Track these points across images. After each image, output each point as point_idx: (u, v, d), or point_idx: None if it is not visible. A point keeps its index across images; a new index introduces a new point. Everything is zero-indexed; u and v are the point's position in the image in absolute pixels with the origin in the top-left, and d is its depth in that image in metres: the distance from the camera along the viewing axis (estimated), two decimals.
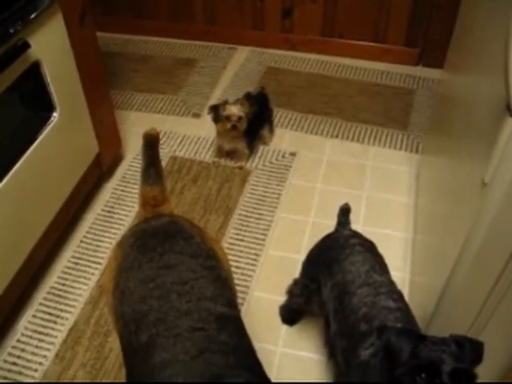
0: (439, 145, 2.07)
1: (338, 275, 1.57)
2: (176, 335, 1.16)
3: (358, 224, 2.34)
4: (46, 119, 1.99)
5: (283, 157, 2.69)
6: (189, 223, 1.45)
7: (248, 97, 2.61)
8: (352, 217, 2.15)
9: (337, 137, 2.80)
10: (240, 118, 2.50)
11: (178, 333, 1.16)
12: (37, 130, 1.95)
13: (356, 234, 1.74)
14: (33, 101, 1.95)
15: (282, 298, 2.03)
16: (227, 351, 1.16)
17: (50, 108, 2.00)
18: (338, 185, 2.54)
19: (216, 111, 2.52)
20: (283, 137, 2.82)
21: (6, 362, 1.94)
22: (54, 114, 2.01)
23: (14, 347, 1.98)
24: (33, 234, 2.02)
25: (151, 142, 1.50)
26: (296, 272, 2.02)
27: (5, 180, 1.78)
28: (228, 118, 2.49)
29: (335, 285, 1.57)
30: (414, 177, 2.55)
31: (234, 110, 2.49)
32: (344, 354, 1.47)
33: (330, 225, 2.07)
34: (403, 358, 1.16)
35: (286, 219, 2.40)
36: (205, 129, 2.87)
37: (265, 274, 2.19)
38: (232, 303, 1.31)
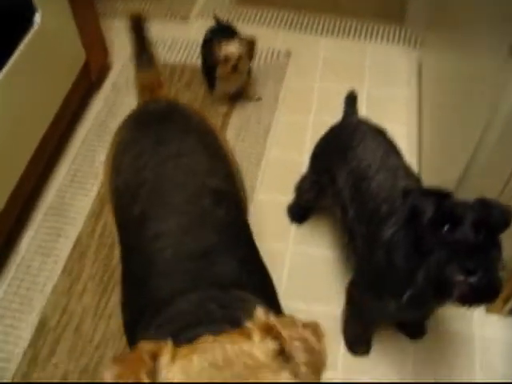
0: (445, 34, 1.99)
1: (352, 162, 1.51)
2: (169, 207, 1.14)
3: None
4: (28, 23, 1.85)
5: (278, 57, 2.58)
6: (188, 106, 1.43)
7: (220, 26, 2.41)
8: None
9: (332, 34, 2.68)
10: (240, 57, 2.20)
11: (172, 205, 1.14)
12: (19, 36, 1.82)
13: (365, 121, 1.68)
14: (13, 2, 1.81)
15: (288, 199, 2.00)
16: (220, 228, 1.14)
17: (31, 10, 1.85)
18: (336, 82, 2.44)
19: (212, 53, 2.22)
20: (277, 36, 2.69)
21: (14, 278, 1.91)
22: (37, 17, 1.87)
23: (19, 265, 1.94)
24: (25, 151, 1.94)
25: (137, 24, 1.47)
26: (300, 172, 1.98)
27: None
28: (226, 59, 2.20)
29: (350, 172, 1.51)
30: (415, 71, 2.47)
31: (233, 49, 2.19)
32: (364, 239, 1.44)
33: (331, 122, 2.02)
34: (427, 217, 1.15)
35: (286, 121, 2.33)
36: (193, 32, 2.72)
37: (268, 176, 2.14)
38: (229, 179, 1.28)
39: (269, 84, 2.45)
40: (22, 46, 1.80)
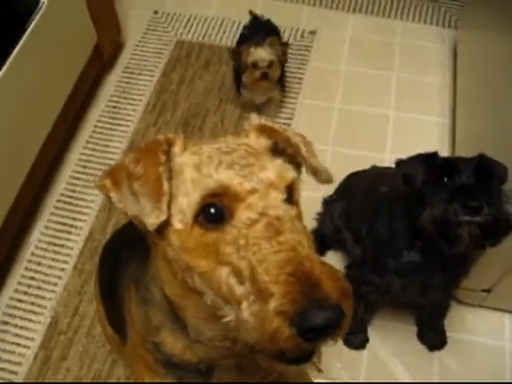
0: (486, 12, 1.82)
1: None
2: None
3: (389, 108, 2.14)
4: (35, 4, 1.71)
5: (302, 36, 2.41)
6: None
7: (257, 23, 2.17)
8: (382, 100, 1.95)
9: (360, 11, 2.50)
10: (271, 64, 1.96)
11: None
12: (26, 18, 1.68)
13: None
14: None
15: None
16: None
17: None
18: (363, 66, 2.29)
19: (238, 58, 1.99)
20: (301, 13, 2.50)
21: (23, 276, 1.82)
22: None
23: (29, 261, 1.86)
24: (36, 138, 1.83)
25: None
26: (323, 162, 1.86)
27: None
28: (255, 64, 1.96)
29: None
30: (450, 54, 2.30)
31: (262, 54, 1.93)
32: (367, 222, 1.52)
33: (357, 111, 1.89)
34: (420, 179, 1.21)
35: (309, 105, 2.19)
36: (213, 7, 2.54)
37: None
38: None
39: (292, 65, 2.29)
40: (29, 28, 1.67)
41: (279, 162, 0.75)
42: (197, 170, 0.72)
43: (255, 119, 0.84)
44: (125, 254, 1.13)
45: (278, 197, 0.70)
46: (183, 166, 0.74)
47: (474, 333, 1.66)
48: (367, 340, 1.67)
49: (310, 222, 1.82)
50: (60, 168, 2.06)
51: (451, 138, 2.04)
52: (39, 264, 1.85)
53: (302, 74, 2.27)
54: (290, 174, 0.74)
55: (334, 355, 1.64)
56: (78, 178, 2.03)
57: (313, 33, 2.41)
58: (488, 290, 1.58)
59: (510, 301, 1.62)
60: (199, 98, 2.19)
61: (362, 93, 2.19)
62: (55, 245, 1.88)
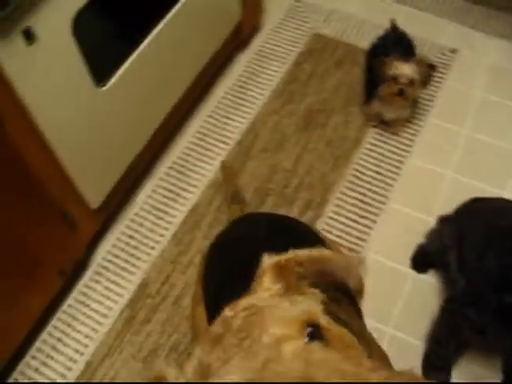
0: None
1: None
2: None
3: None
4: None
5: (442, 53, 2.30)
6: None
7: (393, 34, 2.05)
8: None
9: (506, 37, 2.35)
10: (412, 82, 1.86)
11: None
12: None
13: None
14: None
15: (421, 215, 1.81)
16: None
17: None
18: (501, 96, 2.15)
19: (381, 68, 1.89)
20: (444, 29, 2.39)
21: (123, 233, 1.86)
22: None
23: (132, 220, 1.89)
24: (164, 106, 1.85)
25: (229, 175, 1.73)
26: (441, 190, 1.78)
27: (146, 41, 1.58)
28: (395, 78, 1.86)
29: None
30: None
31: (406, 70, 1.84)
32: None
33: (486, 142, 1.77)
34: None
35: (437, 126, 2.09)
36: (355, 4, 2.48)
37: (406, 186, 1.94)
38: None
39: None
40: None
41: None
42: None
43: (265, 261, 0.71)
44: None
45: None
46: None
47: None
48: (449, 380, 1.58)
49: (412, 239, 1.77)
50: (178, 137, 2.07)
51: None
52: (141, 225, 1.88)
53: (435, 92, 2.17)
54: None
55: None
56: (193, 150, 2.04)
57: (454, 51, 2.29)
58: None
59: None
60: (327, 95, 2.15)
61: (494, 124, 2.06)
62: (159, 210, 1.90)
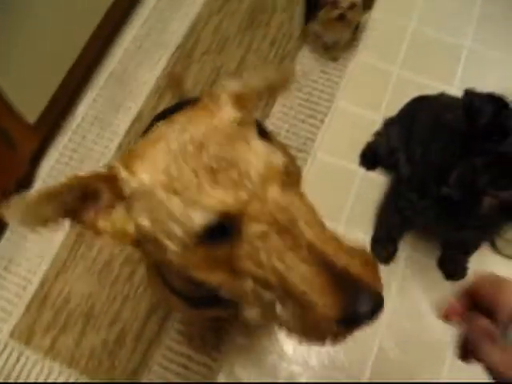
0: None
1: None
2: None
3: (466, 39, 1.99)
4: None
5: None
6: None
7: None
8: (461, 28, 1.82)
9: None
10: (353, 5, 1.75)
11: None
12: None
13: None
14: None
15: (367, 113, 1.81)
16: None
17: None
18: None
19: None
20: None
21: (66, 147, 1.80)
22: None
23: (74, 132, 1.82)
24: (96, 10, 1.75)
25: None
26: (388, 87, 1.77)
27: None
28: (334, 2, 1.75)
29: None
30: None
31: None
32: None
33: (433, 37, 1.75)
34: (483, 120, 1.13)
35: (382, 21, 2.03)
36: None
37: (352, 84, 1.91)
38: None
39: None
40: None
41: (262, 148, 0.63)
42: (174, 193, 0.60)
43: (233, 86, 0.70)
44: None
45: (277, 192, 0.61)
46: (148, 190, 0.61)
47: None
48: (394, 252, 1.65)
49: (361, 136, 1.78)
50: (116, 44, 1.97)
51: None
52: (84, 137, 1.81)
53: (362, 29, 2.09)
54: (279, 160, 0.64)
55: None
56: (132, 57, 1.94)
57: None
58: None
59: None
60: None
61: (441, 17, 2.04)
62: (102, 120, 1.84)
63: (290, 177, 0.65)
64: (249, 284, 0.62)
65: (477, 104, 1.17)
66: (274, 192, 0.61)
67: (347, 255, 0.60)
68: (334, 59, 1.95)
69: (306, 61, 1.94)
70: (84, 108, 1.85)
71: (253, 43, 1.95)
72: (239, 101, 0.69)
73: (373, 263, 0.62)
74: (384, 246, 1.63)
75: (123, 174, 0.62)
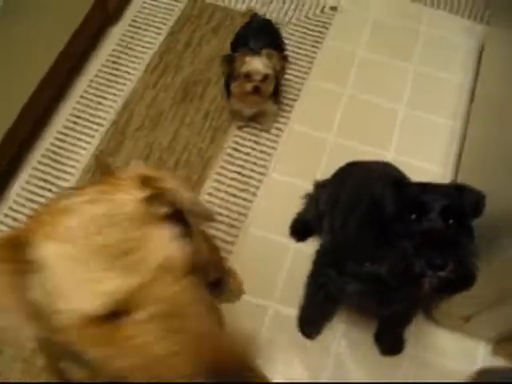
0: None
1: None
2: None
3: (401, 103, 2.01)
4: None
5: (322, 11, 2.24)
6: None
7: (256, 23, 1.94)
8: (395, 93, 1.84)
9: None
10: (266, 77, 1.74)
11: None
12: None
13: None
14: None
15: (302, 183, 1.81)
16: None
17: None
18: (382, 53, 2.14)
19: (230, 64, 1.77)
20: None
21: None
22: None
23: (6, 215, 1.80)
24: (27, 88, 1.76)
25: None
26: (323, 155, 1.78)
27: None
28: (248, 76, 1.73)
29: None
30: (475, 51, 2.14)
31: (258, 66, 1.71)
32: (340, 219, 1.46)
33: (367, 100, 1.75)
34: (389, 211, 1.12)
35: (318, 88, 2.06)
36: None
37: (286, 154, 1.92)
38: None
39: (306, 42, 2.16)
40: None
41: (164, 236, 0.65)
42: (70, 272, 0.61)
43: (136, 167, 0.73)
44: None
45: (169, 284, 0.63)
46: (51, 260, 0.62)
47: (441, 354, 1.61)
48: (319, 332, 1.62)
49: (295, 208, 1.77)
50: (49, 122, 1.97)
51: (460, 143, 1.92)
52: (14, 220, 1.80)
53: (314, 52, 2.13)
54: (181, 250, 0.66)
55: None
56: (67, 134, 1.95)
57: (334, 9, 2.25)
58: (468, 318, 1.51)
59: (487, 330, 1.56)
60: (203, 65, 2.07)
61: (375, 82, 2.05)
62: (34, 201, 1.82)
63: (195, 267, 0.67)
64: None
65: (377, 194, 1.17)
66: (166, 283, 0.62)
67: (223, 353, 0.61)
68: (266, 130, 1.95)
69: (238, 133, 1.95)
70: (17, 189, 1.84)
71: (186, 116, 1.96)
72: (147, 183, 0.70)
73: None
74: (309, 328, 1.60)
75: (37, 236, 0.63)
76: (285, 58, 1.80)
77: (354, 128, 1.97)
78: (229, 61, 1.77)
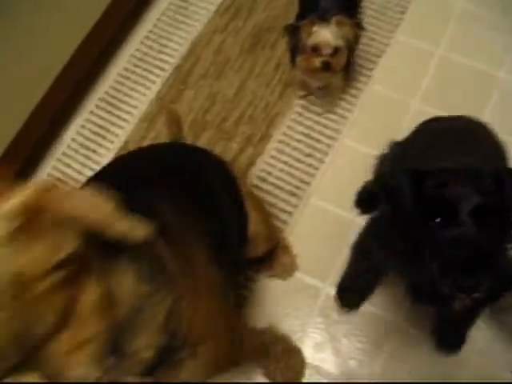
0: None
1: None
2: None
3: (500, 69, 1.73)
4: None
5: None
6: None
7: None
8: (495, 56, 1.68)
9: None
10: (337, 50, 1.49)
11: None
12: None
13: None
14: None
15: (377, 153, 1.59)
16: None
17: None
18: (489, 7, 1.82)
19: (295, 35, 1.50)
20: None
21: (49, 175, 1.70)
22: None
23: (58, 160, 1.72)
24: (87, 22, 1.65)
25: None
26: (404, 122, 1.58)
27: None
28: (315, 49, 1.49)
29: None
30: None
31: (328, 37, 1.45)
32: None
33: (461, 63, 1.51)
34: (407, 201, 0.91)
35: (405, 45, 1.81)
36: None
37: (362, 118, 1.70)
38: None
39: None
40: None
41: None
42: None
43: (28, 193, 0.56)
44: None
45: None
46: None
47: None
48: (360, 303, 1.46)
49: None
50: (110, 61, 1.85)
51: None
52: (68, 166, 1.71)
53: (408, 2, 1.86)
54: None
55: None
56: (127, 78, 1.82)
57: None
58: None
59: None
60: (279, 10, 1.86)
61: (473, 42, 1.77)
62: (88, 148, 1.73)
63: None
64: None
65: (392, 184, 0.97)
66: None
67: None
68: (329, 111, 1.71)
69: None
70: (72, 133, 1.75)
71: (255, 67, 1.78)
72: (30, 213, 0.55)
73: None
74: (350, 296, 1.45)
75: None
76: (359, 25, 1.52)
77: (442, 94, 1.71)
78: (293, 31, 1.51)
